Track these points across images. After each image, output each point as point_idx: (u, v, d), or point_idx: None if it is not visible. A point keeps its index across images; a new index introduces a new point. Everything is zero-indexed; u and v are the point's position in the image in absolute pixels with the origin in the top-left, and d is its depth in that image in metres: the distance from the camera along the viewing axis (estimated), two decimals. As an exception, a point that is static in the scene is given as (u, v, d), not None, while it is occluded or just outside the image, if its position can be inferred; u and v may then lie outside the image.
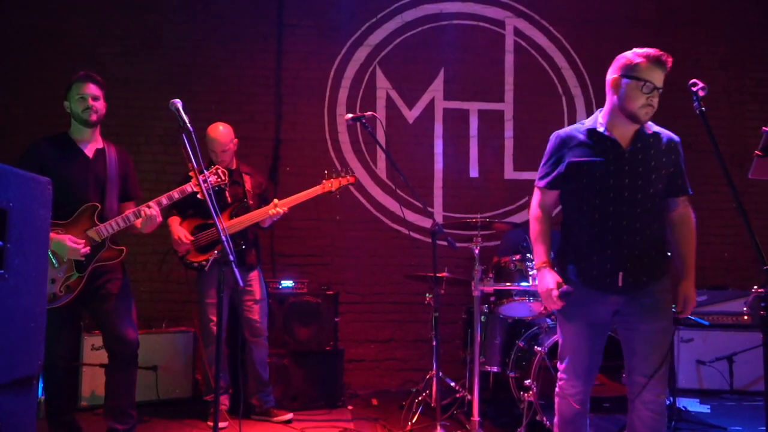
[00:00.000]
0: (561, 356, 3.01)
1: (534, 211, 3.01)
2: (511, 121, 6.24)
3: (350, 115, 4.08)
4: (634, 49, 2.75)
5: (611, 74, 2.79)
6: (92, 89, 3.63)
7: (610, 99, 2.81)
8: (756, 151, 2.56)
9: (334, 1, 6.09)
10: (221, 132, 4.52)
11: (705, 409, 4.92)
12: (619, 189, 2.77)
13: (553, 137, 2.99)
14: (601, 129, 2.82)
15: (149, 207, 3.61)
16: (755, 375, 5.24)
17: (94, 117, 3.63)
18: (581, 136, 2.86)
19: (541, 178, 3.00)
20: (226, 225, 4.32)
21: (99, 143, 3.75)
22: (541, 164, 3.01)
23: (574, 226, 2.92)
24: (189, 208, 4.42)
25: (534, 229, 2.99)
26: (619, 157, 2.77)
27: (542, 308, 4.51)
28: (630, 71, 2.70)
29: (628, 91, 2.71)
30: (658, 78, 2.68)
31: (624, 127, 2.79)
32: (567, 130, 2.95)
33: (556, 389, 3.02)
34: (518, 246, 5.04)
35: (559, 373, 3.02)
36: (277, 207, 4.38)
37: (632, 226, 2.77)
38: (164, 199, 3.71)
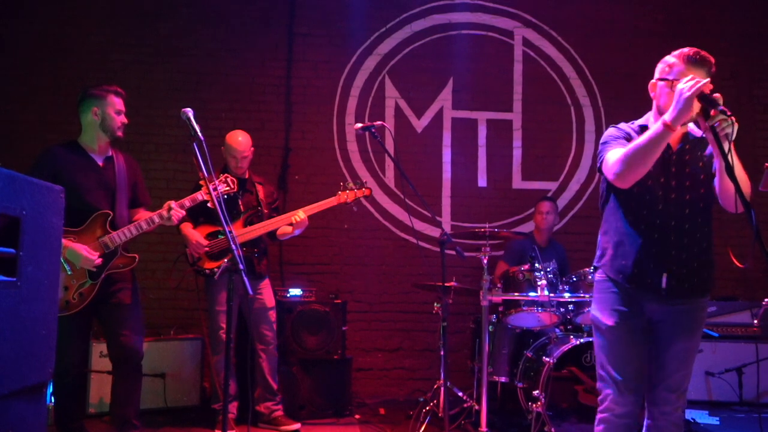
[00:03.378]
0: (603, 372, 2.80)
1: (616, 155, 2.66)
2: (520, 131, 6.25)
3: (360, 125, 4.10)
4: (673, 52, 2.68)
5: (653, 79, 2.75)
6: (122, 105, 3.74)
7: (654, 104, 2.77)
8: (766, 164, 2.55)
9: (345, 11, 6.12)
10: (241, 139, 4.58)
11: (714, 421, 4.89)
12: (667, 188, 2.70)
13: (612, 128, 2.85)
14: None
15: (174, 209, 3.67)
16: (765, 387, 5.21)
17: (122, 133, 3.74)
18: (634, 134, 2.77)
19: (610, 147, 2.74)
20: (240, 233, 4.34)
21: (108, 151, 3.79)
22: (605, 145, 2.78)
23: (620, 223, 2.79)
24: (200, 215, 4.44)
25: (628, 148, 2.61)
26: (667, 156, 2.70)
27: (551, 319, 4.51)
28: (664, 74, 2.67)
29: (661, 93, 2.68)
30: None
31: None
32: (620, 124, 2.85)
33: (601, 414, 2.79)
34: (522, 252, 5.05)
35: (603, 393, 2.80)
36: (299, 213, 4.39)
37: (681, 227, 2.69)
38: (187, 202, 3.77)
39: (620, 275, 2.76)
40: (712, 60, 2.63)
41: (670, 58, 2.66)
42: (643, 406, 2.82)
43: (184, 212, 3.74)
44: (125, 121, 3.74)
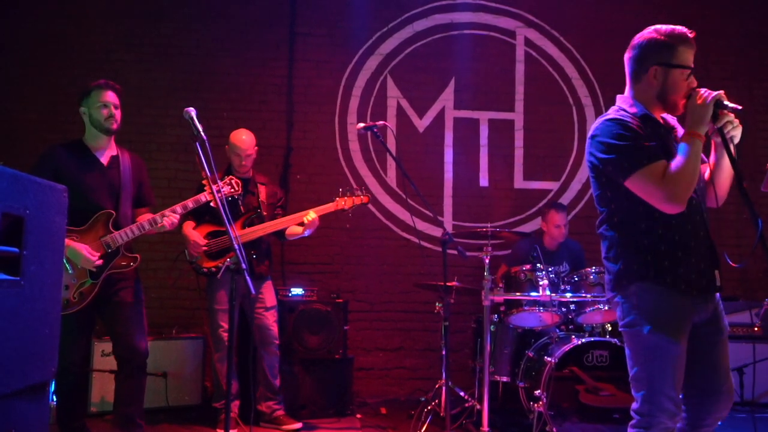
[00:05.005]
0: (660, 397, 2.41)
1: (662, 179, 2.38)
2: (522, 131, 6.25)
3: (362, 125, 4.10)
4: (655, 28, 2.50)
5: (643, 62, 2.51)
6: (113, 97, 3.68)
7: (645, 86, 2.54)
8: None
9: (346, 10, 6.12)
10: (245, 138, 4.60)
11: (715, 421, 4.88)
12: None
13: (611, 124, 2.49)
14: (654, 115, 2.54)
15: (165, 215, 3.63)
16: (766, 386, 5.21)
17: (115, 125, 3.70)
18: (639, 129, 2.47)
19: (642, 158, 2.40)
20: (238, 234, 4.34)
21: (114, 150, 3.78)
22: (626, 152, 2.43)
23: (659, 229, 2.47)
24: (206, 214, 4.44)
25: (675, 174, 2.37)
26: (676, 144, 2.48)
27: (552, 318, 4.50)
28: (670, 58, 2.46)
29: (672, 81, 2.47)
30: (692, 60, 2.48)
31: (658, 115, 2.55)
32: (618, 116, 2.53)
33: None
34: (528, 256, 5.05)
35: (653, 419, 2.42)
36: (310, 213, 4.38)
37: (707, 219, 2.52)
38: (179, 208, 3.75)
39: (682, 284, 2.45)
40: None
41: (668, 41, 2.46)
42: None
43: (177, 218, 3.71)
44: (112, 113, 3.66)
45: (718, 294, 2.57)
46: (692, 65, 2.47)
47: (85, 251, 3.45)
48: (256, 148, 4.67)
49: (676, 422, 2.46)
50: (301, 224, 4.43)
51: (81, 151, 3.69)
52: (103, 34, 5.85)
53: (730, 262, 2.35)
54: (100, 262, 3.51)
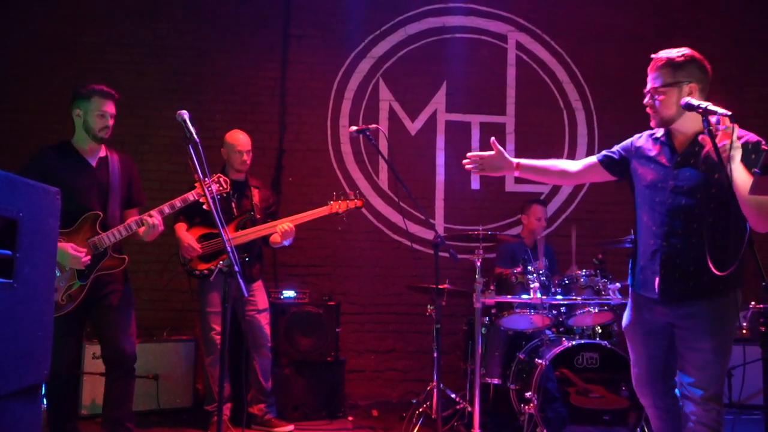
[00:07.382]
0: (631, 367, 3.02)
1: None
2: (513, 134, 6.27)
3: (354, 128, 4.11)
4: None
5: None
6: (112, 107, 3.69)
7: None
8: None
9: (340, 13, 6.14)
10: (242, 137, 4.65)
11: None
12: (671, 192, 2.73)
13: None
14: (658, 134, 2.88)
15: (151, 216, 3.65)
16: (754, 389, 5.24)
17: (108, 135, 3.70)
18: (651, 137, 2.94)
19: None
20: (232, 236, 4.34)
21: (102, 152, 3.78)
22: None
23: (636, 228, 2.94)
24: (197, 215, 4.44)
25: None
26: (672, 159, 2.76)
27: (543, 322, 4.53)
28: None
29: None
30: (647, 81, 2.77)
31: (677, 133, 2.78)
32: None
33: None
34: (516, 258, 5.08)
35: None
36: (286, 223, 4.39)
37: (678, 232, 2.69)
38: (166, 208, 3.75)
39: (633, 280, 2.92)
40: (663, 61, 2.71)
41: None
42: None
43: (160, 218, 3.71)
44: (108, 124, 3.66)
45: (697, 302, 2.67)
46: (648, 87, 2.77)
47: (70, 249, 3.44)
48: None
49: (642, 393, 2.95)
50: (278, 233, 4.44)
51: (70, 152, 3.68)
52: (95, 35, 5.83)
53: (715, 270, 2.43)
54: (87, 258, 3.50)
